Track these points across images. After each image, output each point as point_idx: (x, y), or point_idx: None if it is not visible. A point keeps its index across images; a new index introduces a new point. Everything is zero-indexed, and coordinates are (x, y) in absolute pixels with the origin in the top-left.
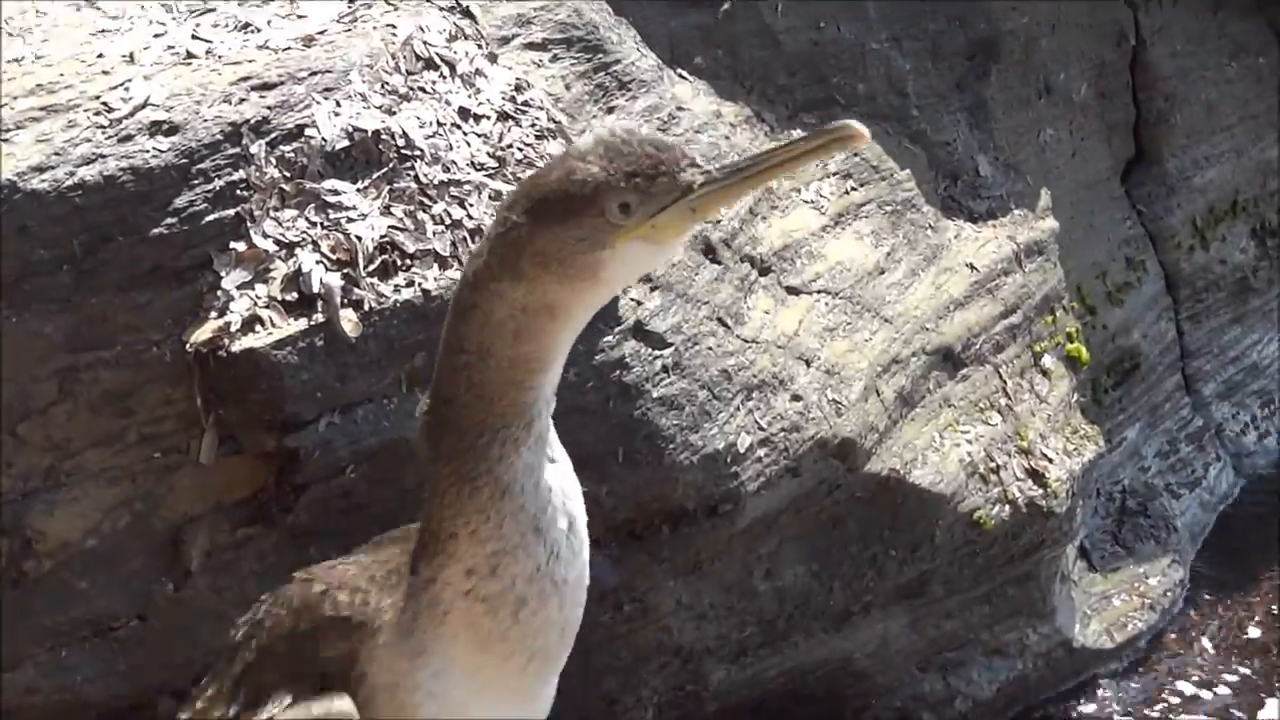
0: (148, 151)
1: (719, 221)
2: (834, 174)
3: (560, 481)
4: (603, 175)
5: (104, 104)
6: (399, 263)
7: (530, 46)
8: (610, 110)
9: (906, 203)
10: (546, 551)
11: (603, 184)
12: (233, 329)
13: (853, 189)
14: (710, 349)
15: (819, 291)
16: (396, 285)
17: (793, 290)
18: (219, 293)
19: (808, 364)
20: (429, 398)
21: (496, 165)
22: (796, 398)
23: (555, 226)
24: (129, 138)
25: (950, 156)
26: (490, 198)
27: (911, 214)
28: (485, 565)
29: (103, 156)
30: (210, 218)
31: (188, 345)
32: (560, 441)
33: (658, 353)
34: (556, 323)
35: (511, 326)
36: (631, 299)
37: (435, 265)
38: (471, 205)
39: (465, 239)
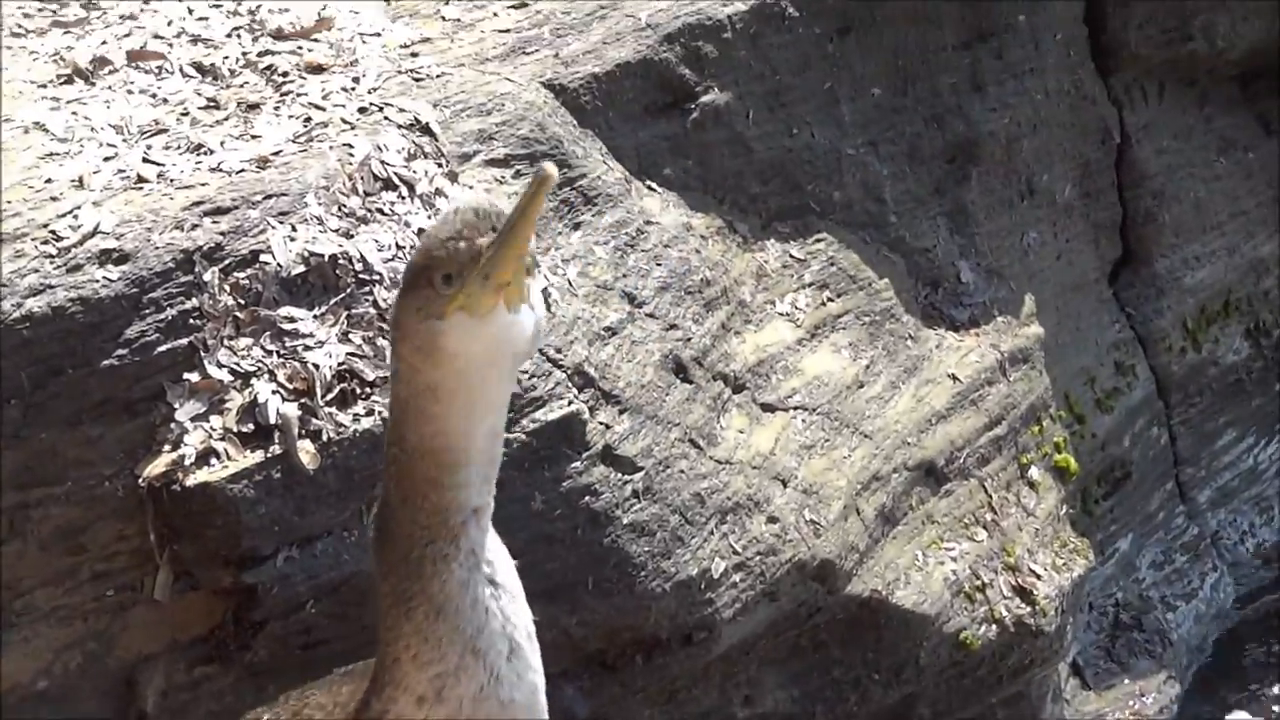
0: (97, 281)
1: (689, 339)
2: (810, 285)
3: (502, 605)
4: (429, 244)
5: (52, 232)
6: (358, 391)
7: (492, 163)
8: (577, 226)
9: (885, 312)
10: (487, 673)
11: (429, 253)
12: (187, 462)
13: (829, 300)
14: (682, 472)
15: (795, 408)
16: (356, 414)
17: (768, 407)
18: (172, 425)
19: (784, 484)
20: (376, 504)
21: None
22: (773, 519)
23: (402, 298)
24: (78, 267)
25: (930, 263)
26: None
27: (891, 324)
28: (431, 690)
29: (51, 287)
30: (162, 348)
31: (141, 480)
32: (527, 571)
33: (627, 477)
34: (441, 405)
35: (412, 407)
36: (600, 422)
37: None
38: None
39: None
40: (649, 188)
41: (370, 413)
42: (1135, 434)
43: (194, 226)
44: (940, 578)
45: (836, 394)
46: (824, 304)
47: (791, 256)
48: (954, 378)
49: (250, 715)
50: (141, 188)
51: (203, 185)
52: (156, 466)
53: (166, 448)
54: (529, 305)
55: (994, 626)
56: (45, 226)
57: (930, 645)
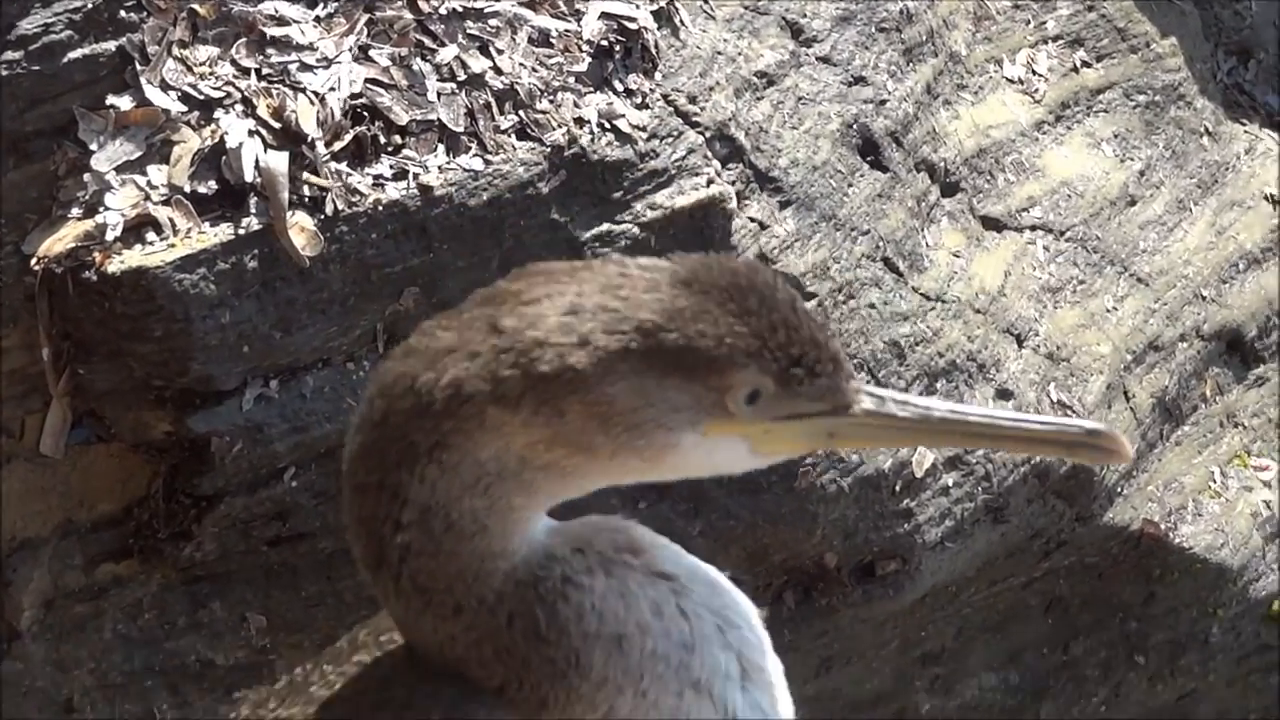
0: None
1: (883, 102)
2: (1055, 39)
3: (699, 602)
4: (752, 347)
5: None
6: (382, 140)
7: None
8: None
9: (1170, 91)
10: (719, 712)
11: (747, 357)
12: (108, 236)
13: (1084, 64)
14: (872, 306)
15: (1034, 227)
16: (378, 176)
17: (993, 223)
18: (86, 176)
19: (1019, 341)
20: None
21: None
22: (1004, 393)
23: (651, 379)
24: None
25: (1238, 22)
26: (531, 41)
27: (1177, 110)
28: None
29: None
30: (76, 54)
31: (33, 260)
32: None
33: None
34: (566, 482)
35: (490, 477)
36: (751, 219)
37: (441, 146)
38: (500, 52)
39: (490, 107)
40: None
41: (400, 174)
42: None
43: None
44: (1247, 511)
45: (1095, 212)
46: (1075, 70)
47: None
48: (1273, 200)
49: None
50: None
51: None
52: (58, 241)
53: (75, 211)
54: None
55: None
56: None
57: (1228, 615)
